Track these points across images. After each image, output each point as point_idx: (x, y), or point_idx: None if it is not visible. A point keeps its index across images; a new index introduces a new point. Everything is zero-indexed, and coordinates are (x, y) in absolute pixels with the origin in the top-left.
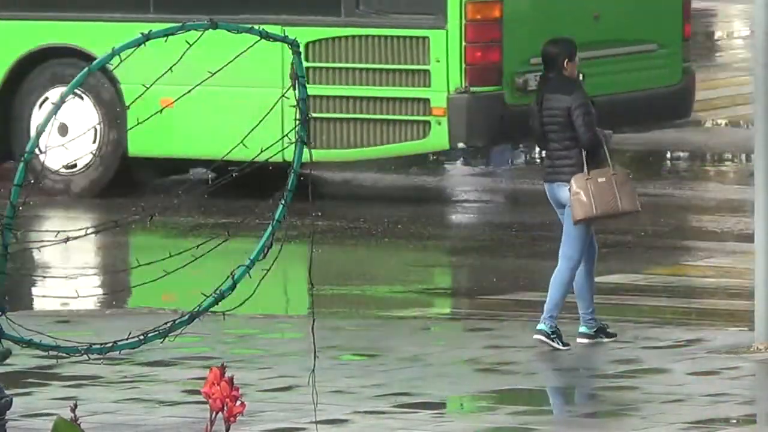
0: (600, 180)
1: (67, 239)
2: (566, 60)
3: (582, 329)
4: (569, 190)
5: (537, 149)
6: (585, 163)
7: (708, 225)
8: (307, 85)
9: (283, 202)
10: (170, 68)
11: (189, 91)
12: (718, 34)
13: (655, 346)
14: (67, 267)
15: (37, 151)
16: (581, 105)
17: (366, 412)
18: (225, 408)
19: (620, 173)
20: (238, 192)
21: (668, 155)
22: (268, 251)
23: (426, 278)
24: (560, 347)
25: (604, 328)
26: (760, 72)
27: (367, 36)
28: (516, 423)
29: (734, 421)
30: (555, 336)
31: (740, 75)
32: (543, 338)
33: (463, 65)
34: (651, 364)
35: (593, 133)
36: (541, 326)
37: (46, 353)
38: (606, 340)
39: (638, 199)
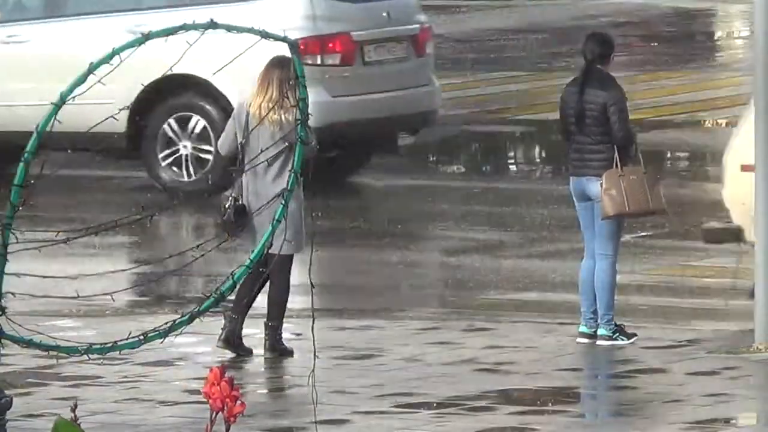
0: (632, 177)
1: (67, 239)
2: (612, 56)
3: (582, 329)
4: (600, 185)
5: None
6: (618, 159)
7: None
8: None
9: (282, 202)
10: (170, 68)
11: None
12: (718, 34)
13: (655, 346)
14: (67, 266)
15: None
16: (617, 101)
17: (366, 412)
18: (225, 408)
19: (650, 173)
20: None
21: (668, 155)
22: (267, 251)
23: (426, 278)
24: (627, 342)
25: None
26: (760, 72)
27: None
28: (516, 423)
29: (734, 421)
30: (618, 334)
31: (740, 75)
32: (605, 342)
33: None
34: (651, 364)
35: (627, 130)
36: (600, 331)
37: (46, 353)
38: (597, 341)
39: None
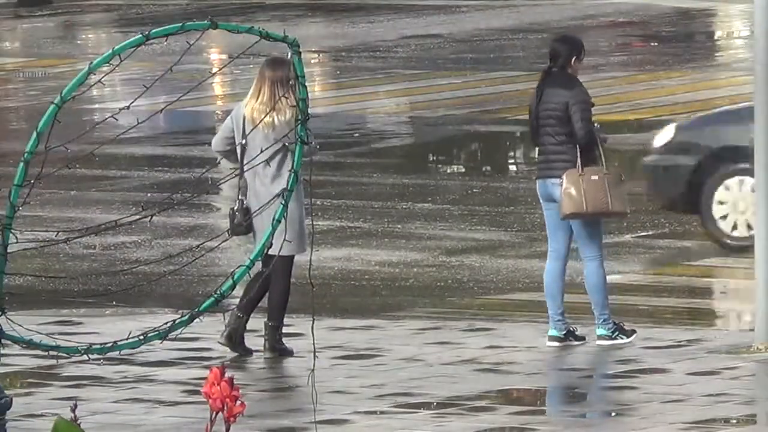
0: (593, 177)
1: (67, 239)
2: (574, 58)
3: (551, 332)
4: (560, 185)
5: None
6: (579, 159)
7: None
8: None
9: (282, 202)
10: (170, 68)
11: (187, 92)
12: (718, 34)
13: (655, 346)
14: (67, 266)
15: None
16: (580, 101)
17: (366, 412)
18: (225, 408)
19: (613, 174)
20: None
21: None
22: (267, 251)
23: (426, 278)
24: (627, 340)
25: (573, 331)
26: (760, 72)
27: None
28: (516, 423)
29: (734, 421)
30: (617, 333)
31: (740, 75)
32: (605, 342)
33: None
34: (651, 364)
35: (589, 129)
36: (599, 331)
37: (46, 353)
38: (575, 342)
39: (628, 201)
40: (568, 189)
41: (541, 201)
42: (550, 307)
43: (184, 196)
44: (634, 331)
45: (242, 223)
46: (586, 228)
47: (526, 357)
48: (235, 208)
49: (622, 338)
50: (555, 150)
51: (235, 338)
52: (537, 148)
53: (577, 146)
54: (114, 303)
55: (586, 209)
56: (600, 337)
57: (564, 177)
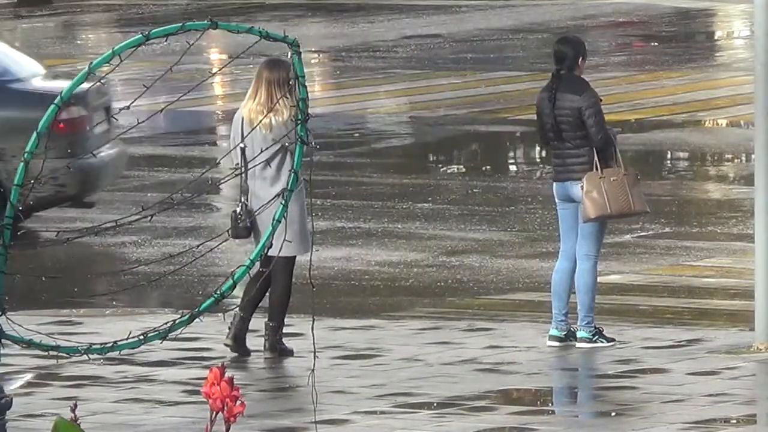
0: (612, 179)
1: (67, 239)
2: (581, 58)
3: (552, 332)
4: (581, 188)
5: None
6: (597, 161)
7: (708, 225)
8: None
9: (282, 202)
10: (170, 68)
11: (188, 92)
12: (718, 34)
13: (655, 346)
14: (67, 267)
15: None
16: (592, 105)
17: (366, 412)
18: (225, 408)
19: (631, 174)
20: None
21: (668, 155)
22: (267, 251)
23: (426, 278)
24: (608, 344)
25: (574, 332)
26: (760, 72)
27: None
28: (516, 423)
29: (734, 421)
30: (598, 337)
31: (740, 75)
32: (586, 344)
33: None
34: (651, 364)
35: (605, 132)
36: (581, 333)
37: (46, 353)
38: (577, 344)
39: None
40: (590, 192)
41: (556, 201)
42: (556, 306)
43: (184, 196)
44: (613, 339)
45: (247, 227)
46: (592, 226)
47: (526, 357)
48: (238, 210)
49: (602, 341)
50: (572, 153)
51: (240, 339)
52: (553, 151)
53: (594, 148)
54: (114, 303)
55: (610, 211)
56: (581, 340)
57: (584, 180)
